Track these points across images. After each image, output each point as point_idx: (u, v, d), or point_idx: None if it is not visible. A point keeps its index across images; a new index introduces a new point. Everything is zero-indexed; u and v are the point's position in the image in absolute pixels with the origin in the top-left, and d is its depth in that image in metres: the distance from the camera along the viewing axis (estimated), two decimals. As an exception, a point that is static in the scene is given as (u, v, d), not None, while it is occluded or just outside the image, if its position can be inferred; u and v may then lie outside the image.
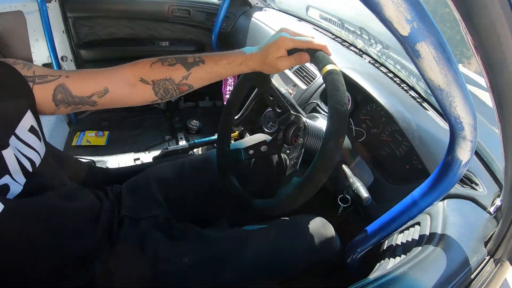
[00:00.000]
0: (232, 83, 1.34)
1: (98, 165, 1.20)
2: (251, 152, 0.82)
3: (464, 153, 0.53)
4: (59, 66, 1.62)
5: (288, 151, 0.75)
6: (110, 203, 0.78)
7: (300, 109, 1.00)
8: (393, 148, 0.91)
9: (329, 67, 0.61)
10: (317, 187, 0.60)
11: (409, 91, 1.11)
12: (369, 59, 1.27)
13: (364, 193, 0.74)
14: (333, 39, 1.45)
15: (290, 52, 0.69)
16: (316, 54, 0.64)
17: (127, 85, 0.70)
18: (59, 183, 0.68)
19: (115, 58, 1.77)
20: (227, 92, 1.29)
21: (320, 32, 1.51)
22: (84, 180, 0.89)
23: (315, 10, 1.58)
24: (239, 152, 0.83)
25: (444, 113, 0.50)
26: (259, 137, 1.02)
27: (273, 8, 1.80)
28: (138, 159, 1.20)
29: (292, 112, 0.77)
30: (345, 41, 1.43)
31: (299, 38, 0.67)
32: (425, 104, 1.05)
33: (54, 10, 1.65)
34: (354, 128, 0.92)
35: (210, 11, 1.79)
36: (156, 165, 0.97)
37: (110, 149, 1.60)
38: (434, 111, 1.04)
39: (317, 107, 1.03)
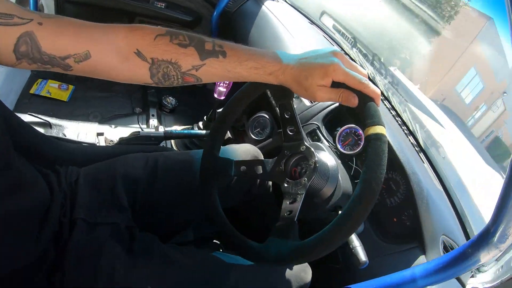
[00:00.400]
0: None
1: (53, 130, 1.01)
2: (243, 168, 0.71)
3: (487, 257, 0.50)
4: (35, -3, 1.35)
5: (286, 185, 0.66)
6: (62, 195, 0.63)
7: (305, 136, 0.90)
8: (384, 196, 0.87)
9: (378, 128, 0.53)
10: (316, 258, 0.54)
11: (409, 136, 1.07)
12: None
13: (363, 257, 0.67)
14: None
15: (335, 84, 0.57)
16: (367, 104, 0.55)
17: (117, 55, 0.54)
18: (4, 165, 0.51)
19: (100, 5, 1.53)
20: (221, 84, 1.15)
21: (329, 41, 1.41)
22: (33, 152, 0.72)
23: (330, 19, 1.48)
24: (229, 164, 0.72)
25: (494, 226, 0.46)
26: (247, 149, 0.90)
27: (285, 1, 1.66)
28: (102, 134, 1.03)
29: (305, 142, 0.67)
30: (353, 60, 1.35)
31: (354, 74, 0.56)
32: (421, 155, 1.02)
33: None
34: (354, 167, 0.85)
35: (219, -17, 1.60)
36: (123, 153, 0.82)
37: (71, 107, 1.38)
38: (428, 164, 1.02)
39: (317, 131, 0.95)
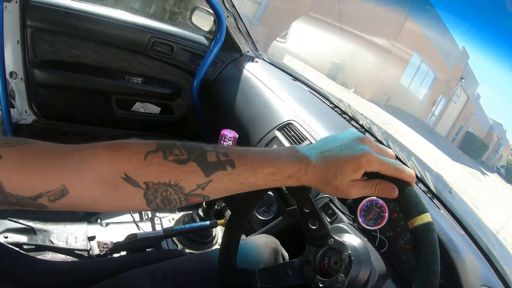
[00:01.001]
0: (232, 139, 1.08)
1: (38, 236, 0.89)
2: (267, 275, 0.63)
3: None
4: (5, 83, 1.28)
5: (321, 285, 0.58)
6: None
7: (328, 223, 0.82)
8: (411, 257, 0.79)
9: (425, 217, 0.47)
10: None
11: (418, 183, 1.03)
12: (372, 138, 1.19)
13: None
14: (332, 108, 1.35)
15: (367, 174, 0.50)
16: (407, 192, 0.49)
17: (100, 185, 0.43)
18: None
19: (74, 88, 1.48)
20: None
21: (318, 98, 1.40)
22: (14, 278, 0.62)
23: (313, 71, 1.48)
24: (252, 275, 0.63)
25: None
26: (265, 241, 0.80)
27: (265, 60, 1.67)
28: (93, 238, 0.92)
29: (333, 235, 0.60)
30: (345, 112, 1.33)
31: (387, 160, 0.49)
32: (435, 201, 0.97)
33: (12, 13, 1.31)
34: (378, 237, 0.78)
35: (195, 52, 1.59)
36: (122, 266, 0.72)
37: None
38: (445, 210, 0.97)
39: (330, 204, 0.88)
